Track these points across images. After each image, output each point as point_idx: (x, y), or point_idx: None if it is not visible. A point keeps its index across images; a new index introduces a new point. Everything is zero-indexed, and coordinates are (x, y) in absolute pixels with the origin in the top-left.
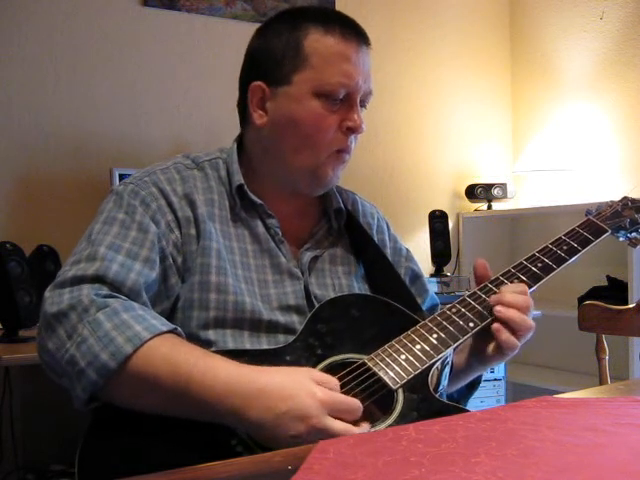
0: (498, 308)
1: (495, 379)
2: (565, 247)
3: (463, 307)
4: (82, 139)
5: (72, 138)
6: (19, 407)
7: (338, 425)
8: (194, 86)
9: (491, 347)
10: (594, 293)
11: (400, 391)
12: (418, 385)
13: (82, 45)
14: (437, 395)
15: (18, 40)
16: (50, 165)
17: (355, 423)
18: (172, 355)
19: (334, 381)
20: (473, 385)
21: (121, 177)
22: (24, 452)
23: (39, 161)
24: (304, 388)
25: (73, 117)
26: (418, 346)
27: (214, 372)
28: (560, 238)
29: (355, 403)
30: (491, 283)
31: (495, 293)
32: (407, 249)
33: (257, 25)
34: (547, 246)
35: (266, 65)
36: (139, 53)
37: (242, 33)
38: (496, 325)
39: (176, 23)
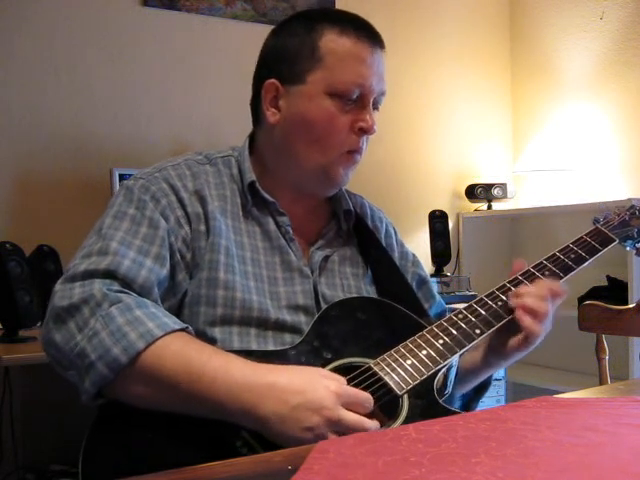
0: (513, 299)
1: (495, 379)
2: (572, 255)
3: (470, 313)
4: (82, 139)
5: (72, 138)
6: (19, 407)
7: (352, 417)
8: (194, 86)
9: (513, 340)
10: (594, 293)
11: (405, 396)
12: (423, 391)
13: (82, 45)
14: (442, 401)
15: (18, 40)
16: (50, 165)
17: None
18: (184, 352)
19: (342, 379)
20: (481, 388)
21: (121, 177)
22: (24, 452)
23: (39, 161)
24: (316, 381)
25: (73, 117)
26: (424, 351)
27: (226, 369)
28: (568, 246)
29: (366, 396)
30: (498, 290)
31: (502, 300)
32: (413, 254)
33: (257, 25)
34: (555, 254)
35: (281, 64)
36: (139, 53)
37: (242, 33)
38: (519, 312)
39: (176, 23)
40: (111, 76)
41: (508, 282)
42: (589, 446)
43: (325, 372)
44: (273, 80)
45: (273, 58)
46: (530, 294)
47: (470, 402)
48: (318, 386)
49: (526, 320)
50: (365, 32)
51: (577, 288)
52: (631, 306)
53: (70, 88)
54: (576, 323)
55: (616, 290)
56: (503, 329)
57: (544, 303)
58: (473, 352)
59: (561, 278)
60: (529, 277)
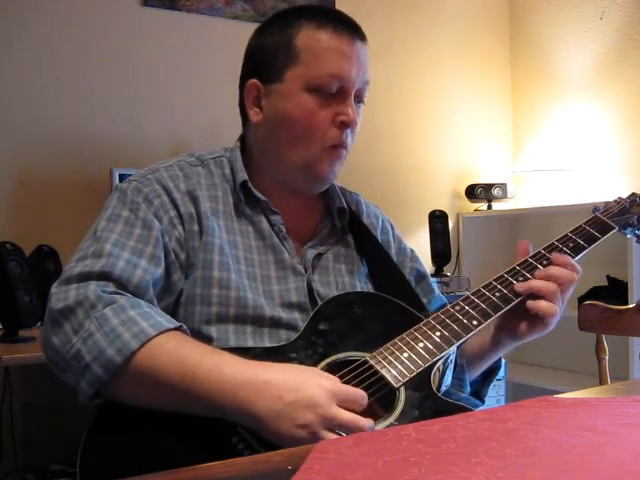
0: (517, 285)
1: (495, 379)
2: (571, 244)
3: (467, 305)
4: (82, 139)
5: (72, 138)
6: (19, 407)
7: (346, 414)
8: (194, 86)
9: (524, 324)
10: (594, 293)
11: (402, 389)
12: (420, 383)
13: (82, 45)
14: (439, 393)
15: (18, 40)
16: (50, 165)
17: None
18: (178, 351)
19: (336, 378)
20: (490, 373)
21: (121, 177)
22: (24, 452)
23: (39, 161)
24: (311, 379)
25: (73, 117)
26: (421, 344)
27: (220, 367)
28: (566, 235)
29: (360, 393)
30: (496, 280)
31: (499, 291)
32: (411, 249)
33: (257, 25)
34: (553, 243)
35: (260, 63)
36: (139, 53)
37: (242, 33)
38: (529, 302)
39: (176, 23)
40: (111, 76)
41: (506, 273)
42: (589, 446)
43: (320, 371)
44: (254, 80)
45: (254, 57)
46: (537, 276)
47: (480, 389)
48: (312, 383)
49: (537, 303)
50: (343, 25)
51: (577, 288)
52: (631, 306)
53: (70, 88)
54: (576, 323)
55: (616, 290)
56: (514, 311)
57: (551, 284)
58: (479, 335)
59: None
60: (527, 267)
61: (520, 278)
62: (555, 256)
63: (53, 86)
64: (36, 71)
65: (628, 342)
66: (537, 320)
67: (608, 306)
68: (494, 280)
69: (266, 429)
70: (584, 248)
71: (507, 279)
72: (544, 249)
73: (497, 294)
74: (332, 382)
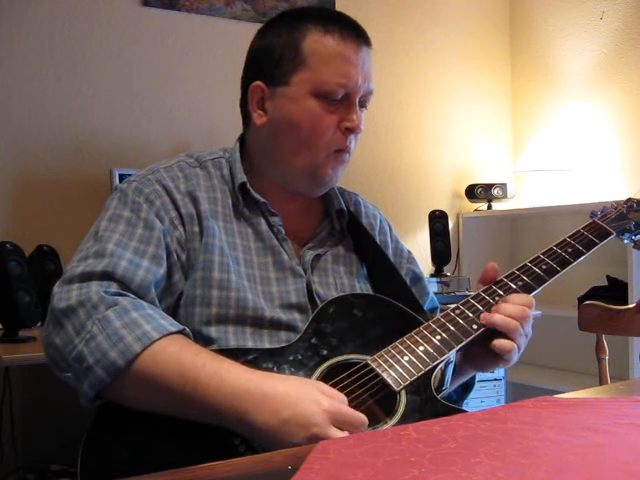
0: (482, 316)
1: (495, 379)
2: (570, 249)
3: (467, 309)
4: (82, 139)
5: (72, 138)
6: (19, 407)
7: (341, 436)
8: (194, 86)
9: (487, 353)
10: (594, 293)
11: (403, 393)
12: (421, 387)
13: (82, 45)
14: (440, 397)
15: (18, 40)
16: (50, 165)
17: None
18: (180, 356)
19: (342, 396)
20: (468, 386)
21: (121, 177)
22: (24, 452)
23: (39, 161)
24: (310, 396)
25: (73, 117)
26: (421, 348)
27: (221, 375)
28: (565, 240)
29: (361, 418)
30: (495, 285)
31: (499, 295)
32: (408, 251)
33: (257, 25)
34: (551, 248)
35: (265, 65)
36: (139, 53)
37: (242, 33)
38: (487, 333)
39: (176, 23)
40: (111, 76)
41: (505, 277)
42: (589, 446)
43: (325, 387)
44: (259, 83)
45: (258, 59)
46: (500, 310)
47: (459, 400)
48: (310, 401)
49: (495, 340)
50: (350, 30)
51: (577, 288)
52: (631, 306)
53: (70, 88)
54: (576, 323)
55: (616, 290)
56: (478, 339)
57: (513, 321)
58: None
59: (558, 272)
60: (527, 271)
61: (519, 282)
62: (506, 298)
63: (53, 86)
64: (36, 71)
65: (628, 342)
66: (499, 356)
67: (608, 306)
68: (494, 284)
69: (261, 440)
70: (582, 253)
71: (506, 283)
72: (543, 254)
73: (497, 298)
74: (332, 401)
